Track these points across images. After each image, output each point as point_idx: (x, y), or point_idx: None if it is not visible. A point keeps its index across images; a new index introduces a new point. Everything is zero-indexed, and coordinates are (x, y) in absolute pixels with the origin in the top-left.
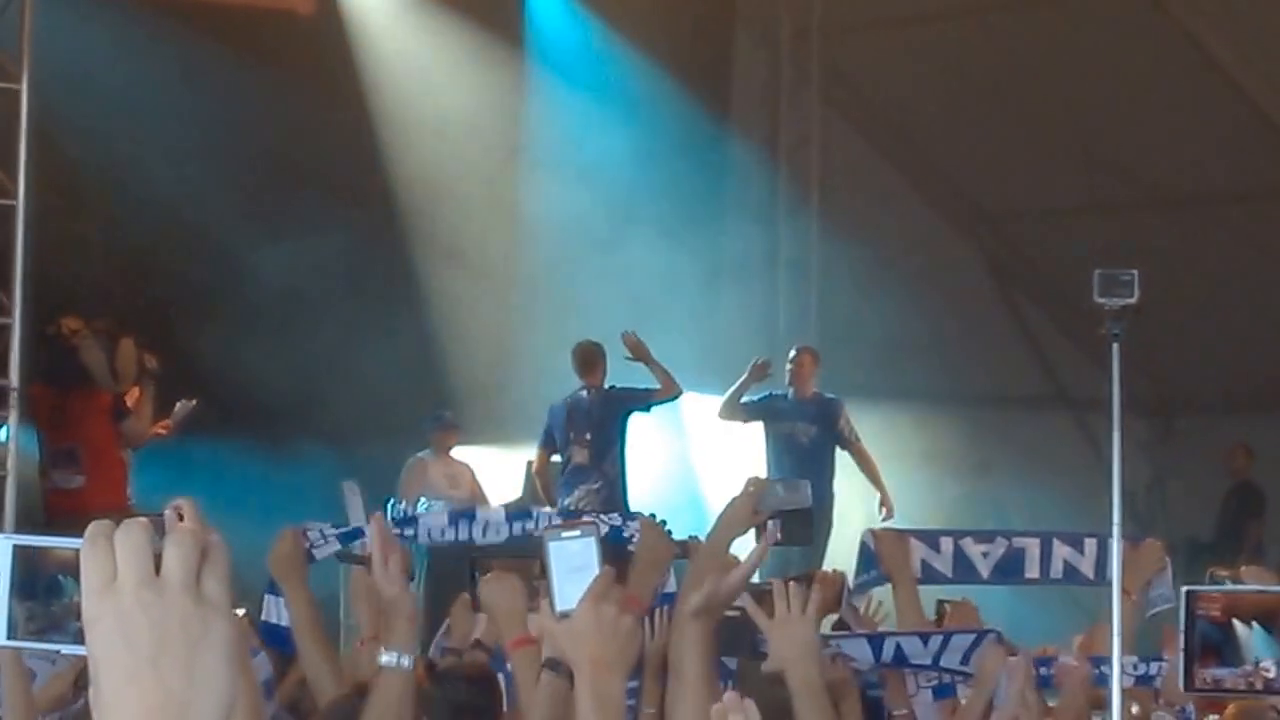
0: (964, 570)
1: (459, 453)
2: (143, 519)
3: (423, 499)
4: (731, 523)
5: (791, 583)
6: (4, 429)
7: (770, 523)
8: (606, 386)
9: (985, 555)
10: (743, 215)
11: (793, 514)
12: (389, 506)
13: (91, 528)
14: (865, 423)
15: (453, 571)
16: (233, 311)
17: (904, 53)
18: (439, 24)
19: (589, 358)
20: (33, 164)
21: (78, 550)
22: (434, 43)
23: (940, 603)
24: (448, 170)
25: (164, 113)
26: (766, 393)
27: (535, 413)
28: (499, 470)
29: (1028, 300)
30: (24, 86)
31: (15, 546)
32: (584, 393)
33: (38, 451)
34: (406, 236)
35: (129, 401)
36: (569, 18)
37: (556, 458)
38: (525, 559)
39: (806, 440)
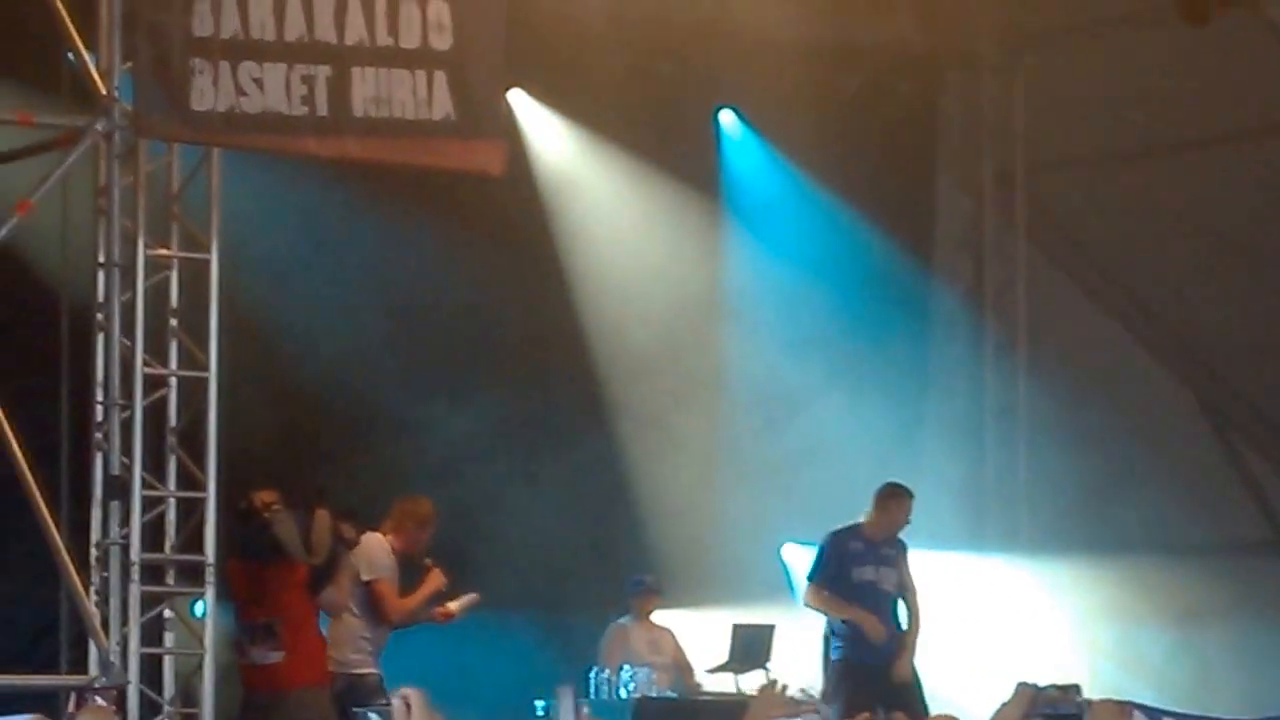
0: None
1: (660, 617)
2: None
3: (625, 665)
4: None
5: None
6: (201, 605)
7: None
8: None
9: None
10: (947, 363)
11: (1061, 717)
12: (591, 674)
13: None
14: (1075, 572)
15: None
16: (428, 479)
17: (1110, 191)
18: (635, 181)
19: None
20: (223, 334)
21: None
22: (630, 201)
23: None
24: (644, 330)
25: (354, 278)
26: (831, 535)
27: (737, 573)
28: (702, 634)
29: (1244, 440)
30: (213, 256)
31: None
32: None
33: (235, 627)
34: (602, 398)
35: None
36: (767, 167)
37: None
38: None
39: (892, 589)
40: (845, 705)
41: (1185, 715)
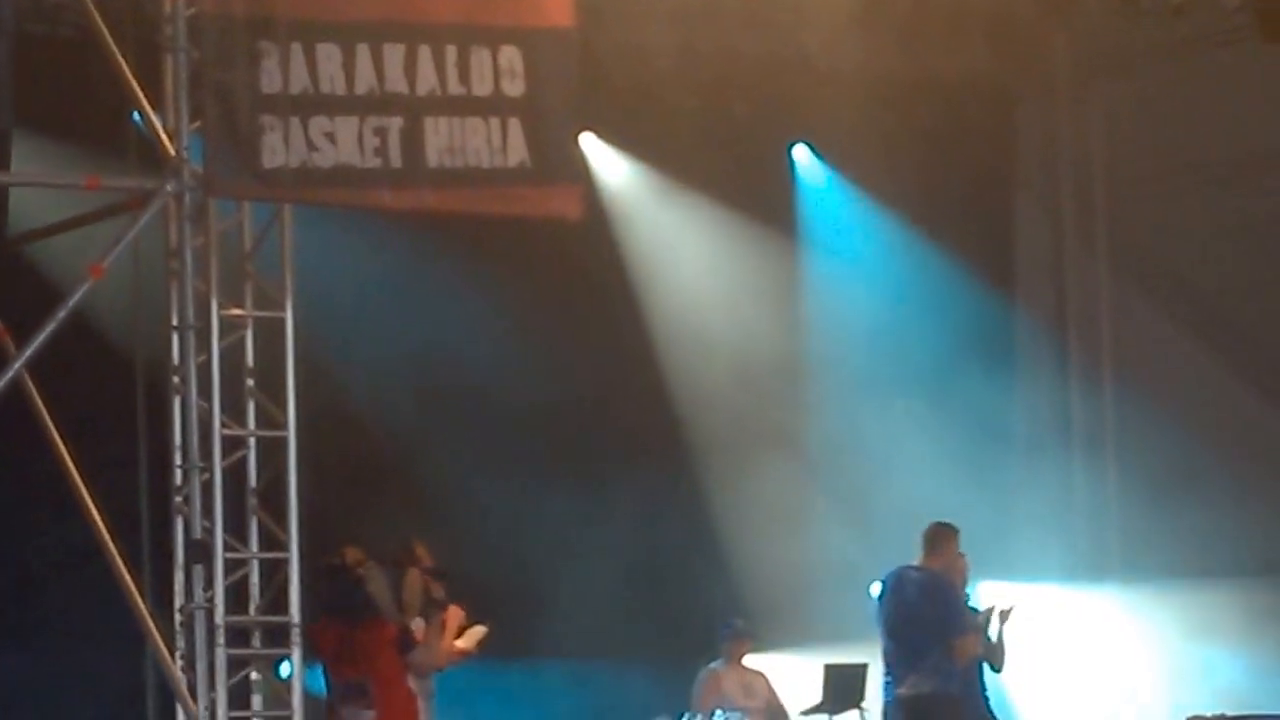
0: None
1: (752, 660)
2: None
3: (718, 711)
4: None
5: None
6: (286, 666)
7: None
8: None
9: None
10: (1032, 391)
11: None
12: (684, 719)
13: None
14: (1170, 598)
15: None
16: (516, 533)
17: (1193, 212)
18: (709, 220)
19: None
20: (301, 393)
21: None
22: (704, 240)
23: None
24: (723, 369)
25: (429, 329)
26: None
27: (829, 616)
28: (796, 676)
29: None
30: (288, 314)
31: None
32: None
33: (325, 687)
34: (681, 441)
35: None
36: (842, 202)
37: None
38: None
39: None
40: None
41: None
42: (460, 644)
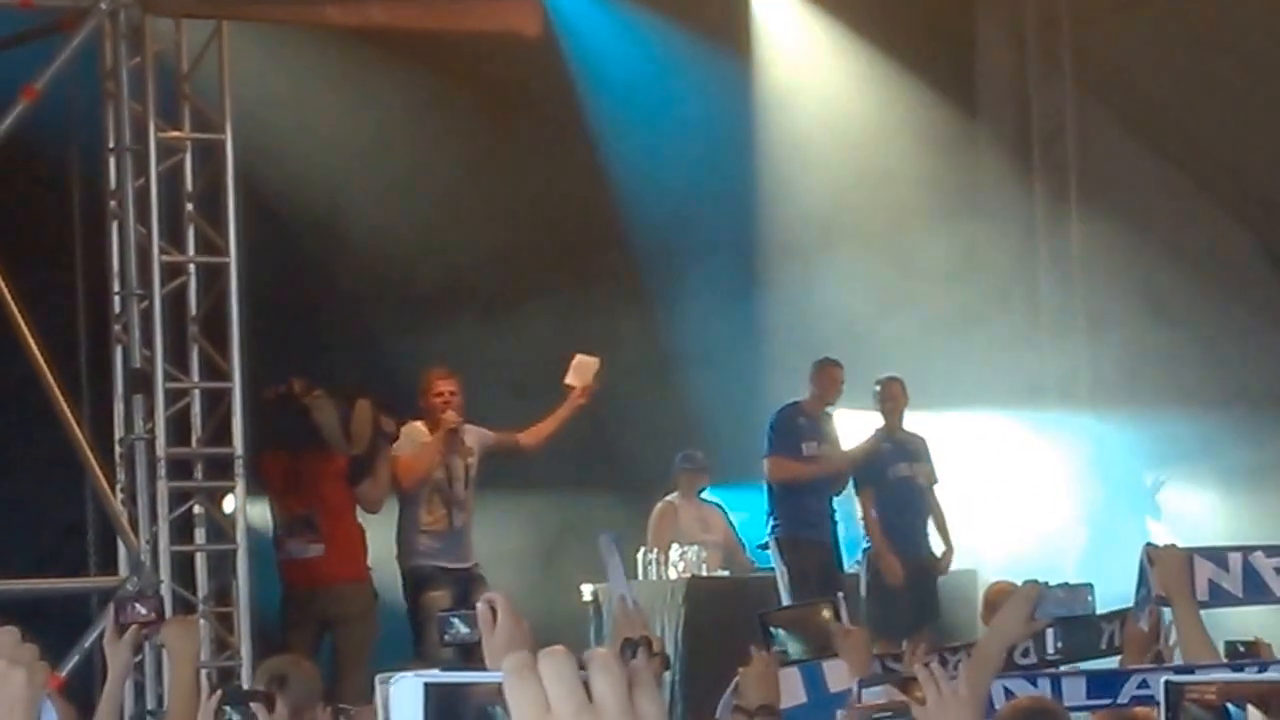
0: (1255, 590)
1: (710, 494)
2: (560, 648)
3: (675, 544)
4: (1006, 631)
5: (935, 665)
6: (232, 499)
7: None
8: None
9: (1279, 571)
10: (997, 216)
11: (1073, 620)
12: (640, 554)
13: (512, 660)
14: (1139, 429)
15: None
16: (457, 358)
17: (1161, 32)
18: (666, 40)
19: None
20: (242, 218)
21: (499, 684)
22: (662, 60)
23: (1230, 643)
24: (676, 191)
25: (374, 151)
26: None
27: None
28: (749, 510)
29: None
30: (228, 136)
31: (428, 685)
32: None
33: (271, 521)
34: (642, 267)
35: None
36: (800, 20)
37: None
38: (815, 606)
39: (925, 482)
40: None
41: (1251, 546)
42: (572, 380)
